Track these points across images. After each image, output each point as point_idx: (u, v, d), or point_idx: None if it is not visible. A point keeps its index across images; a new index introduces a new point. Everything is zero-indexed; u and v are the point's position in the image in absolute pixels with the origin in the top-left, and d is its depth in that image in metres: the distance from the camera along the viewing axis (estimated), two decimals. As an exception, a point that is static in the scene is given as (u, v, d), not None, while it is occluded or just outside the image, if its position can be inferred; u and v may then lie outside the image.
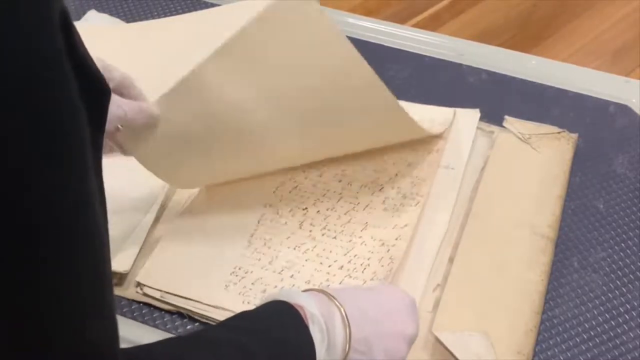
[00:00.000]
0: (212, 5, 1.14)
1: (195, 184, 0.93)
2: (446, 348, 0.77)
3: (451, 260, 0.86)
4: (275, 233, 0.88)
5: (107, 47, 0.99)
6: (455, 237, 0.88)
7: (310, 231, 0.88)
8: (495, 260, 0.85)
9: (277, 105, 0.81)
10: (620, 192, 0.93)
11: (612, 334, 0.81)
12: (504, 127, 0.98)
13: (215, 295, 0.83)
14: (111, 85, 0.75)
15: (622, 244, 0.88)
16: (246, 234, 0.88)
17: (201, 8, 1.10)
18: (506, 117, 0.99)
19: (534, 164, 0.94)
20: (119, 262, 0.84)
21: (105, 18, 1.12)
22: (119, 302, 0.83)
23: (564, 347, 0.80)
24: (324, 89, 0.81)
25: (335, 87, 0.81)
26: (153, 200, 0.90)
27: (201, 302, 0.82)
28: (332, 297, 0.69)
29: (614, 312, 0.83)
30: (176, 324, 0.82)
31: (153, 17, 1.13)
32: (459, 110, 1.00)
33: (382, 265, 0.84)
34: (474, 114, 0.99)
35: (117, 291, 0.83)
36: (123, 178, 0.91)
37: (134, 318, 0.82)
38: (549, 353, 0.80)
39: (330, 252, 0.87)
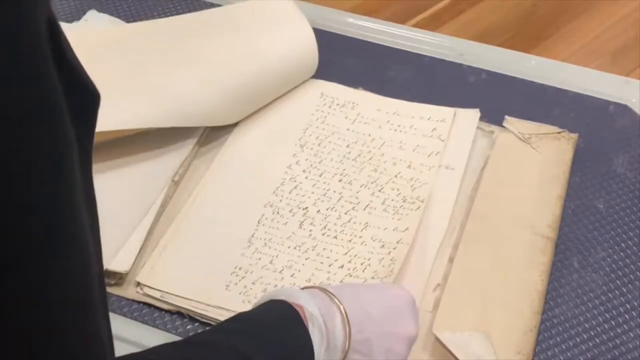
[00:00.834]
0: (213, 5, 1.14)
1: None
2: (446, 348, 0.77)
3: (451, 260, 0.86)
4: (275, 233, 0.88)
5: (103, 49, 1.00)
6: (455, 237, 0.88)
7: (311, 231, 0.88)
8: (495, 260, 0.85)
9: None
10: (620, 192, 0.93)
11: (612, 334, 0.81)
12: (504, 127, 0.98)
13: (215, 295, 0.83)
14: None
15: (622, 244, 0.88)
16: (246, 234, 0.88)
17: (201, 8, 1.11)
18: (506, 117, 0.99)
19: (534, 164, 0.94)
20: (119, 262, 0.84)
21: (105, 18, 1.12)
22: (119, 302, 0.83)
23: (564, 347, 0.80)
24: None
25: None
26: (153, 200, 0.90)
27: (201, 302, 0.82)
28: (333, 295, 0.69)
29: (614, 312, 0.83)
30: (176, 323, 0.82)
31: (153, 17, 1.13)
32: (459, 110, 1.00)
33: (383, 266, 0.84)
34: (474, 114, 0.99)
35: (117, 291, 0.83)
36: (123, 178, 0.92)
37: (134, 318, 0.82)
38: (549, 353, 0.80)
39: (331, 251, 0.87)
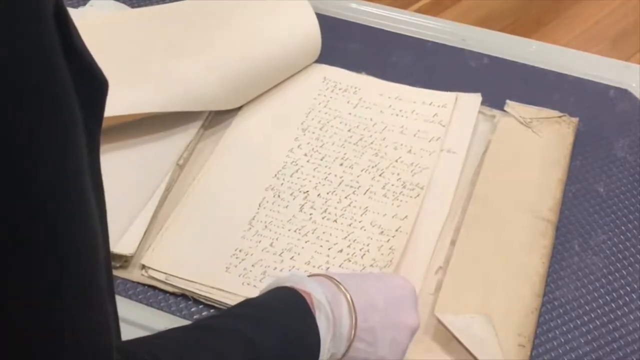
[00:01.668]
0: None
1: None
2: (448, 330, 0.78)
3: (453, 243, 0.87)
4: (276, 216, 0.89)
5: (108, 34, 1.01)
6: (457, 221, 0.89)
7: (311, 214, 0.89)
8: (496, 243, 0.86)
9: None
10: (621, 176, 0.94)
11: (612, 316, 0.82)
12: (505, 111, 0.99)
13: (216, 277, 0.83)
14: None
15: (623, 227, 0.89)
16: (247, 217, 0.89)
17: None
18: (508, 101, 0.99)
19: (535, 148, 0.95)
20: (125, 244, 0.84)
21: (110, 4, 1.12)
22: (125, 285, 0.83)
23: (564, 329, 0.81)
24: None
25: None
26: (158, 183, 0.90)
27: (204, 284, 0.83)
28: (339, 283, 0.69)
29: (614, 294, 0.84)
30: (180, 306, 0.82)
31: (158, 3, 1.13)
32: (461, 95, 1.00)
33: (382, 254, 0.85)
34: (475, 99, 1.00)
35: (123, 274, 0.84)
36: (129, 162, 0.92)
37: (139, 300, 0.83)
38: (549, 335, 0.80)
39: (330, 235, 0.87)
